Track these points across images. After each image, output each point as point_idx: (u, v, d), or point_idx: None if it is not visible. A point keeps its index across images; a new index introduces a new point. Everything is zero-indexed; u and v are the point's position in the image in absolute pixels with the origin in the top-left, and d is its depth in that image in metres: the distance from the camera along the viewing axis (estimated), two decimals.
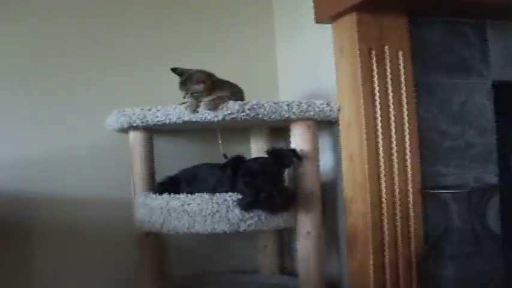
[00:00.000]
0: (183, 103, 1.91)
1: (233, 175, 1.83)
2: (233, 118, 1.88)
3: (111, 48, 2.29)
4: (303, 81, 2.29)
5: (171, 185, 1.97)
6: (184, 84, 1.90)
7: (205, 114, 1.87)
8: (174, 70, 1.93)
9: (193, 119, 1.87)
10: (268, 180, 1.78)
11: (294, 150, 1.91)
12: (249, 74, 2.34)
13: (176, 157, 2.25)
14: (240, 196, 1.81)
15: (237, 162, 1.83)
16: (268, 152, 1.88)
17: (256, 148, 2.26)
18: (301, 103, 1.93)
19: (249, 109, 1.87)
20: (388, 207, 1.87)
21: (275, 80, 2.47)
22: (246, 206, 1.79)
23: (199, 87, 1.88)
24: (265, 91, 2.41)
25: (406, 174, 1.90)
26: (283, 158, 1.87)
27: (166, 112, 1.89)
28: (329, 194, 2.09)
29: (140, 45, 2.32)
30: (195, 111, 1.86)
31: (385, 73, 1.89)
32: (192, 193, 1.86)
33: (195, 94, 1.89)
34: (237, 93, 1.98)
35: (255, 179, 1.78)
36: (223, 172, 1.85)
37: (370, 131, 1.88)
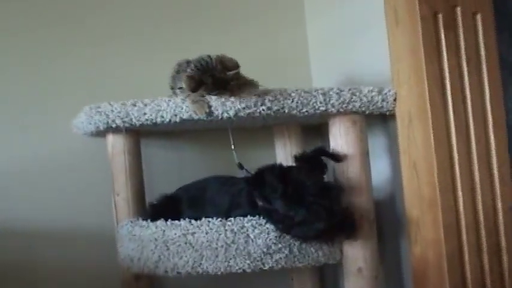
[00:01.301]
0: (184, 95, 1.73)
1: (263, 193, 1.69)
2: (250, 113, 1.74)
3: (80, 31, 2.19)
4: (343, 62, 2.21)
5: (168, 208, 1.87)
6: (215, 82, 1.70)
7: (216, 111, 1.73)
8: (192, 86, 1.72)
9: (195, 117, 1.73)
10: (332, 199, 1.68)
11: (322, 150, 1.79)
12: (270, 57, 2.27)
13: (173, 169, 2.18)
14: (276, 221, 1.68)
15: (279, 175, 1.67)
16: (298, 159, 1.75)
17: (284, 154, 2.16)
18: (342, 91, 1.80)
19: (271, 100, 1.74)
20: (469, 232, 1.74)
21: (306, 61, 2.39)
22: (314, 234, 1.68)
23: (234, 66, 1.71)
24: (293, 77, 2.31)
25: (492, 186, 1.79)
26: (316, 164, 1.75)
27: (158, 107, 1.75)
28: (386, 215, 2.00)
29: (120, 25, 2.21)
30: (209, 111, 1.70)
31: (458, 46, 1.78)
32: (197, 218, 1.76)
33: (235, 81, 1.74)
34: (251, 83, 1.82)
35: (320, 199, 1.65)
36: (254, 186, 1.71)
37: (439, 128, 1.75)
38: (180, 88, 1.82)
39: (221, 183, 1.88)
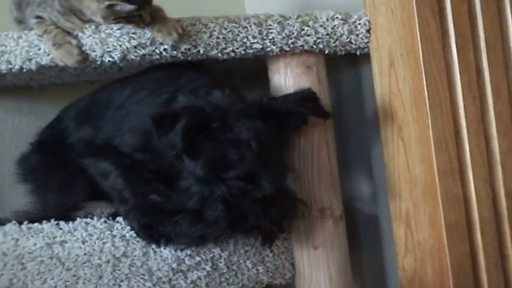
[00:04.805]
0: (41, 31, 1.57)
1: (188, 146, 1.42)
2: (145, 56, 1.54)
3: None
4: None
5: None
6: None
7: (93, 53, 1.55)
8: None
9: (62, 63, 1.54)
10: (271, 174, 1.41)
11: (307, 92, 1.56)
12: None
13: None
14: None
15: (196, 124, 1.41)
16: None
17: None
18: (287, 19, 1.62)
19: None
20: (487, 233, 1.56)
21: None
22: (196, 239, 1.47)
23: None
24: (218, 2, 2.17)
25: None
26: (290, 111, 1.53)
27: (1, 48, 1.56)
28: (361, 210, 1.89)
29: None
30: (81, 58, 1.53)
31: None
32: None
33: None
34: (159, 10, 1.63)
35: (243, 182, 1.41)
36: (159, 130, 1.46)
37: (437, 74, 1.57)
38: (38, 18, 1.58)
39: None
